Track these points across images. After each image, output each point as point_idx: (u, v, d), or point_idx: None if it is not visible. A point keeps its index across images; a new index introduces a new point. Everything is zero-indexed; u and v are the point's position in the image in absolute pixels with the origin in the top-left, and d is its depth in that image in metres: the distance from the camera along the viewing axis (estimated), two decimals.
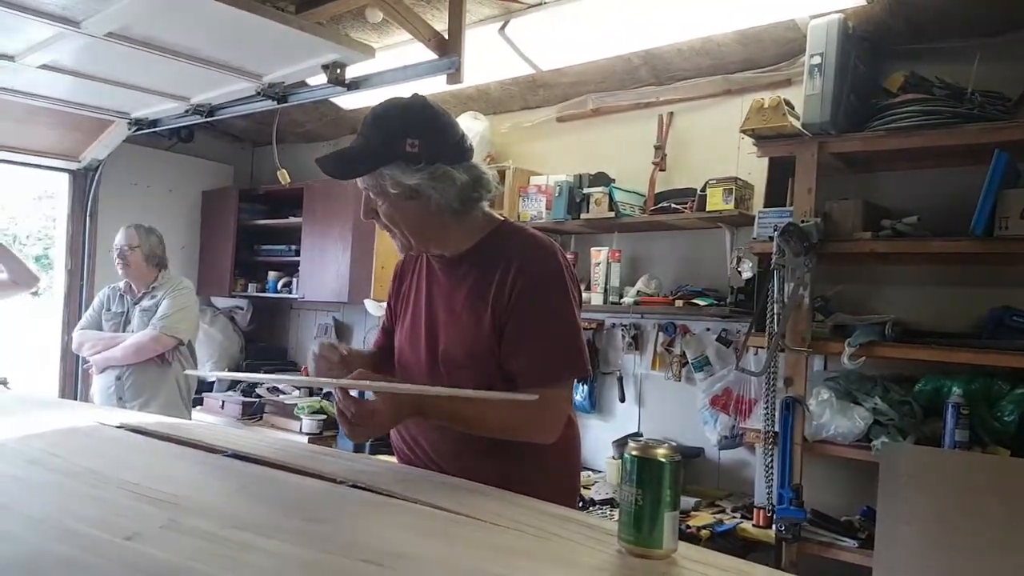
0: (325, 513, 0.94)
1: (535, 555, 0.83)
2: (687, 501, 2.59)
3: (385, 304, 1.60)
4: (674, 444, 0.86)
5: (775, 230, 2.42)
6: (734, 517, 2.52)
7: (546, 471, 1.35)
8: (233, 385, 4.23)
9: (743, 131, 2.53)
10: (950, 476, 2.13)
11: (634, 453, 0.84)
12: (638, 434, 2.93)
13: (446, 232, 1.35)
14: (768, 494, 2.37)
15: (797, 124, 2.45)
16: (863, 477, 2.42)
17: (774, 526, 2.32)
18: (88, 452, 1.23)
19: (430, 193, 1.29)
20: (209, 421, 3.64)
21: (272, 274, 4.37)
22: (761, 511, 2.41)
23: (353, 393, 1.22)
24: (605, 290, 2.91)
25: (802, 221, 2.42)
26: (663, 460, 0.83)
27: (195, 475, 1.12)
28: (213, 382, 4.21)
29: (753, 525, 2.43)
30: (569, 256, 3.01)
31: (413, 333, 1.43)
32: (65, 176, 4.09)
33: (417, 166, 1.28)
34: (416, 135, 1.28)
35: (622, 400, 3.06)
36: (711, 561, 0.84)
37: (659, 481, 0.82)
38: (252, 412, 3.86)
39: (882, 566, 2.12)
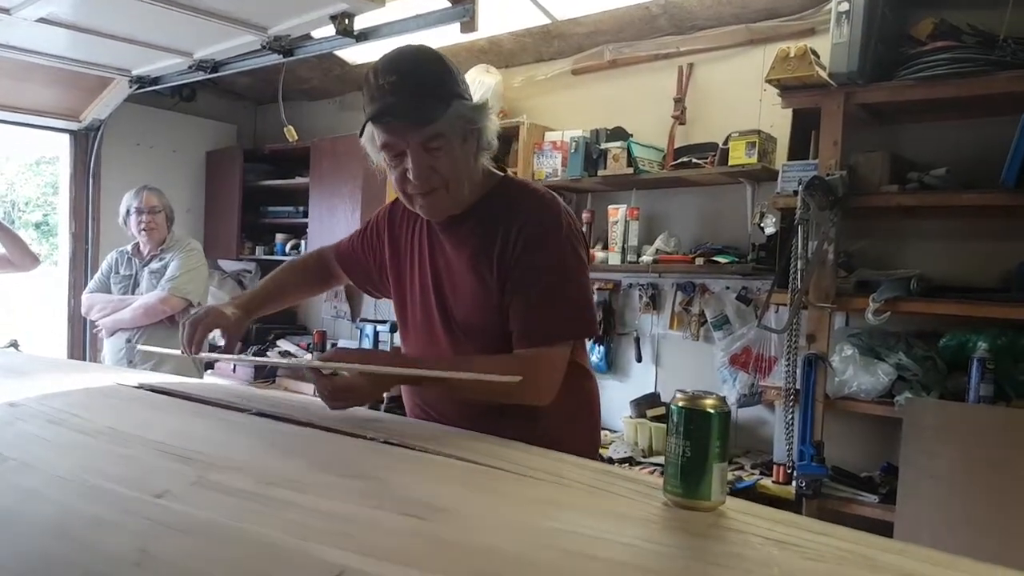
0: (361, 469, 0.91)
1: (581, 507, 0.80)
2: None
3: (364, 233, 1.52)
4: (720, 395, 0.82)
5: (799, 184, 2.36)
6: (753, 474, 2.51)
7: (566, 428, 1.31)
8: (244, 349, 4.21)
9: (768, 81, 2.45)
10: (974, 430, 2.11)
11: (681, 404, 0.80)
12: (655, 394, 2.91)
13: (474, 180, 1.30)
14: (788, 451, 2.35)
15: (823, 74, 2.37)
16: (884, 433, 2.40)
17: (794, 482, 2.31)
18: (110, 411, 1.20)
19: (481, 131, 1.25)
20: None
21: (279, 236, 4.32)
22: (781, 468, 2.40)
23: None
24: (623, 249, 2.86)
25: (827, 174, 2.36)
26: (711, 411, 0.79)
27: (222, 433, 1.09)
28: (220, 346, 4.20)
29: (773, 482, 2.42)
30: (585, 215, 2.98)
31: (423, 298, 1.36)
32: (66, 137, 4.02)
33: (475, 102, 1.24)
34: (455, 71, 1.25)
35: (639, 360, 3.03)
36: (758, 512, 0.81)
37: (707, 432, 0.79)
38: (264, 375, 3.85)
39: (905, 520, 2.11)
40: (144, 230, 2.98)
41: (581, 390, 1.41)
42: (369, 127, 1.23)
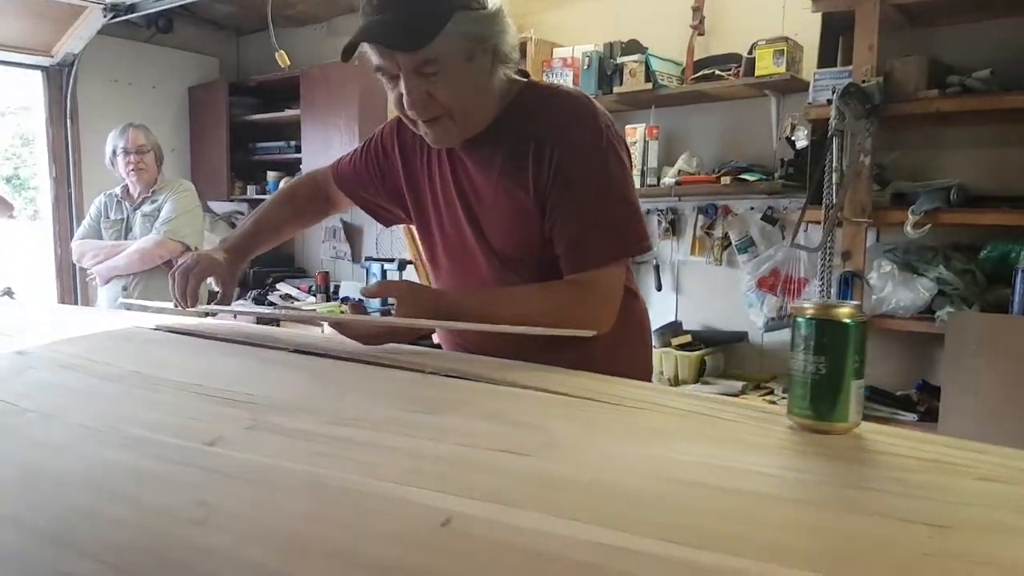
0: (432, 404, 0.80)
1: (696, 436, 0.70)
2: (733, 385, 2.52)
3: (367, 151, 1.34)
4: (854, 303, 0.71)
5: (833, 93, 2.22)
6: (784, 398, 2.44)
7: (620, 353, 1.20)
8: (242, 294, 4.08)
9: None
10: (1019, 343, 2.04)
11: (810, 315, 0.69)
12: (677, 323, 2.82)
13: (488, 101, 1.12)
14: None
15: None
16: (919, 351, 2.34)
17: None
18: (129, 354, 1.08)
19: (495, 44, 1.07)
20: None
21: (271, 174, 4.14)
22: None
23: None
24: (642, 172, 2.72)
25: (863, 81, 2.22)
26: (848, 321, 0.68)
27: (263, 372, 0.98)
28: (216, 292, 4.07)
29: None
30: None
31: (454, 229, 1.22)
32: (38, 75, 3.77)
33: (484, 11, 1.05)
34: None
35: (659, 289, 2.93)
36: (896, 433, 0.72)
37: (844, 345, 0.68)
38: (268, 322, 3.73)
39: (948, 435, 2.06)
40: (133, 171, 2.81)
41: (632, 312, 1.29)
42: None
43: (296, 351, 1.08)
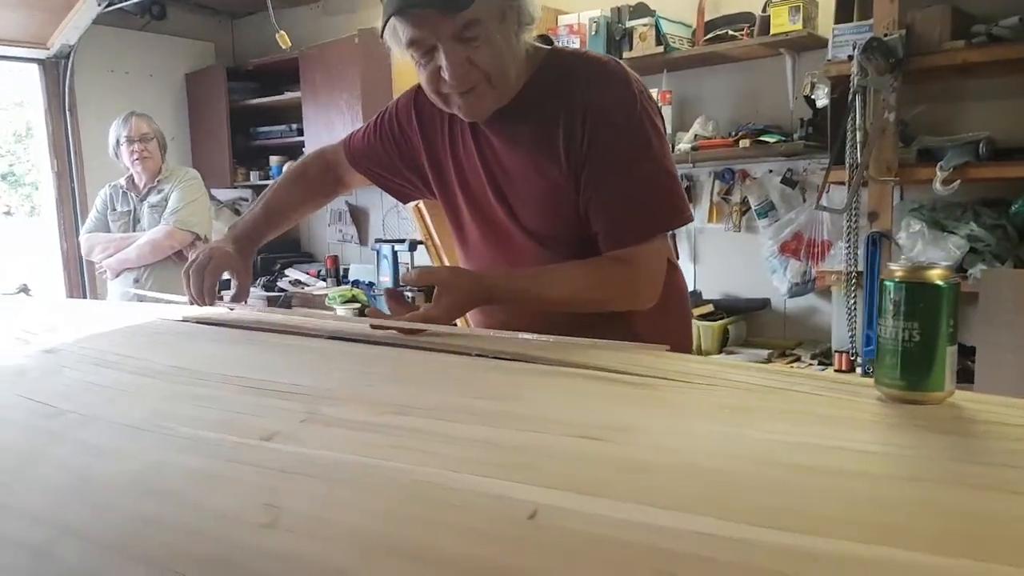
0: (490, 389, 0.77)
1: (778, 412, 0.67)
2: (759, 354, 2.49)
3: (381, 126, 1.28)
4: (946, 263, 0.67)
5: (854, 48, 2.16)
6: (812, 365, 2.41)
7: (661, 326, 1.17)
8: (254, 280, 4.05)
9: None
10: None
11: (899, 277, 0.65)
12: (696, 292, 2.78)
13: (518, 64, 1.07)
14: (851, 337, 2.25)
15: None
16: None
17: (859, 369, 2.22)
18: (164, 348, 1.05)
19: (520, 4, 1.02)
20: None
21: (274, 159, 4.08)
22: (843, 355, 2.30)
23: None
24: None
25: (885, 35, 2.15)
26: (941, 283, 0.64)
27: (306, 361, 0.94)
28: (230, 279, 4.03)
29: (835, 370, 2.33)
30: None
31: (484, 208, 1.17)
32: (35, 68, 3.70)
33: None
34: None
35: (676, 258, 2.88)
36: (990, 400, 0.69)
37: (937, 310, 0.64)
38: (279, 306, 3.71)
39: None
40: (138, 159, 2.76)
41: (672, 284, 1.25)
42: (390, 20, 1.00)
43: (332, 338, 1.05)
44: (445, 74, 1.00)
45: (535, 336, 0.97)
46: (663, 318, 1.18)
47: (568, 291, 1.06)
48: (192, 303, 1.22)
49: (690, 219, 1.14)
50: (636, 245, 1.06)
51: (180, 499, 0.61)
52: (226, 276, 1.29)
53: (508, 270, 1.16)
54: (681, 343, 1.26)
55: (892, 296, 0.65)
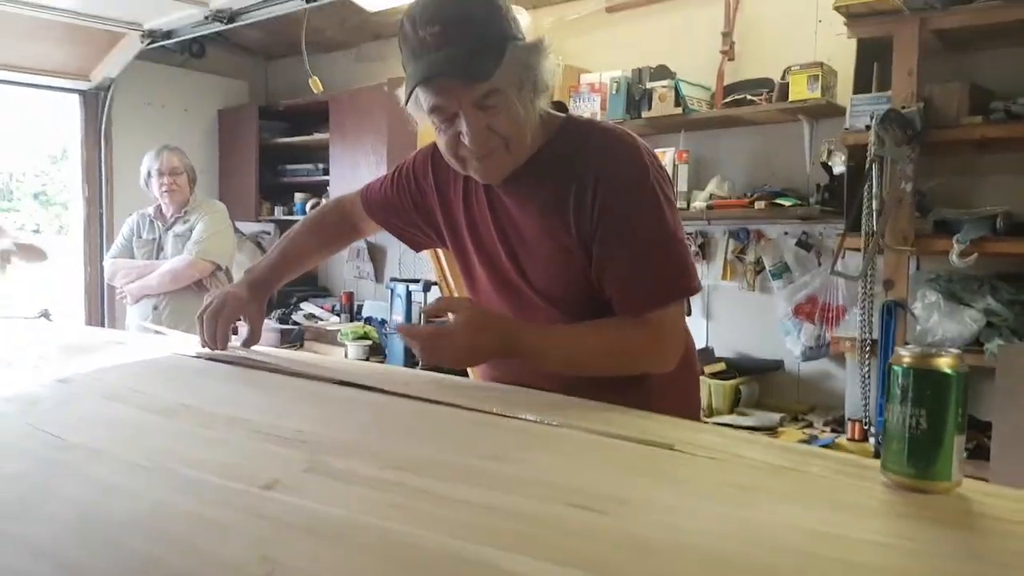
0: (494, 448, 0.77)
1: (785, 493, 0.66)
2: (771, 417, 2.46)
3: (399, 178, 1.31)
4: (955, 351, 0.66)
5: (872, 118, 2.18)
6: (825, 431, 2.38)
7: (670, 389, 1.16)
8: (268, 314, 4.08)
9: (836, 8, 2.25)
10: None
11: (907, 363, 0.65)
12: (708, 349, 2.77)
13: (533, 130, 1.09)
14: (864, 405, 2.22)
15: None
16: None
17: (872, 439, 2.18)
18: (176, 385, 1.06)
19: (537, 74, 1.04)
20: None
21: (299, 196, 4.15)
22: (856, 424, 2.27)
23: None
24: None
25: (903, 107, 2.18)
26: (950, 372, 0.64)
27: (312, 407, 0.95)
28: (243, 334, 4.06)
29: (848, 439, 2.30)
30: None
31: (495, 266, 1.19)
32: (75, 98, 3.82)
33: (524, 41, 1.03)
34: (503, 7, 1.02)
35: (688, 314, 2.86)
36: (999, 492, 0.68)
37: (945, 398, 0.64)
38: (292, 339, 3.73)
39: (1002, 478, 1.99)
40: (166, 191, 2.83)
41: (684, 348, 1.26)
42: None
43: (339, 383, 1.06)
44: (465, 139, 1.03)
45: (543, 392, 0.97)
46: (673, 382, 1.18)
47: (595, 348, 1.07)
48: (202, 345, 1.23)
49: (698, 289, 1.14)
50: (656, 310, 1.07)
51: (181, 544, 0.61)
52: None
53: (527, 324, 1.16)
54: (690, 407, 1.25)
55: (900, 382, 0.65)
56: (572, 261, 1.10)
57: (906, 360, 0.65)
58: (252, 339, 1.29)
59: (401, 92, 1.05)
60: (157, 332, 1.72)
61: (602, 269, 1.08)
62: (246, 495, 0.67)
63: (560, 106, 1.17)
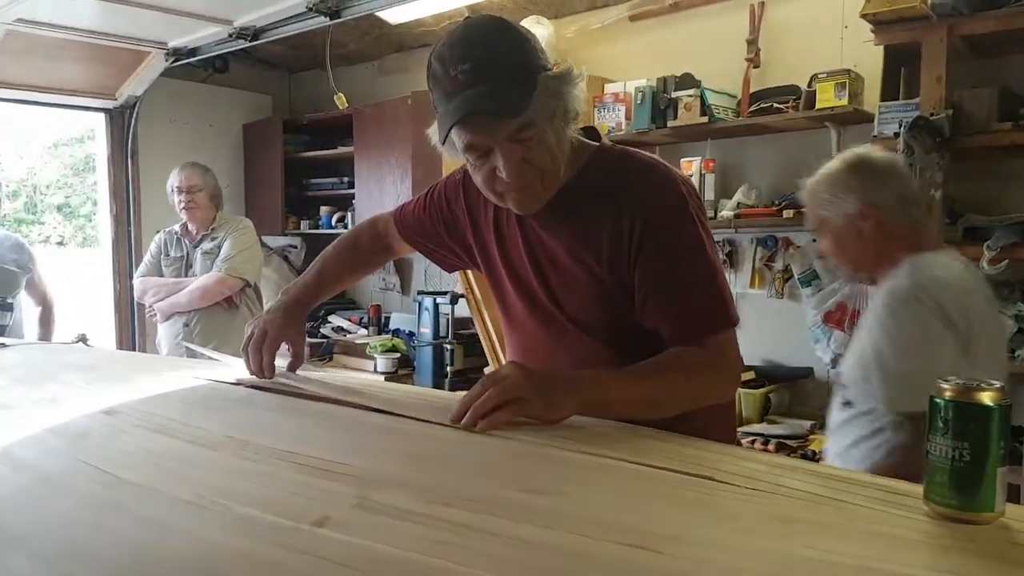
0: (537, 482, 0.78)
1: (831, 527, 0.66)
2: (801, 424, 2.45)
3: (431, 201, 1.32)
4: (997, 383, 0.66)
5: (900, 126, 2.16)
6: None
7: (709, 413, 1.13)
8: None
9: (863, 16, 2.24)
10: None
11: (949, 396, 0.65)
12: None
13: (565, 160, 1.09)
14: None
15: (924, 5, 2.16)
16: None
17: None
18: (219, 416, 1.09)
19: (567, 103, 1.04)
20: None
21: (324, 209, 4.20)
22: None
23: None
24: None
25: (931, 114, 2.16)
26: (991, 404, 0.64)
27: (358, 437, 0.97)
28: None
29: None
30: None
31: (527, 293, 1.19)
32: (101, 116, 3.90)
33: (553, 72, 1.03)
34: (531, 39, 1.03)
35: None
36: None
37: (987, 431, 0.64)
38: (321, 353, 3.77)
39: None
40: (184, 209, 2.88)
41: None
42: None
43: (377, 410, 1.07)
44: (502, 173, 1.04)
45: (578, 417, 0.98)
46: (710, 407, 1.17)
47: (671, 381, 1.03)
48: (250, 372, 1.26)
49: (738, 321, 1.11)
50: (714, 335, 1.06)
51: None
52: None
53: (545, 352, 1.16)
54: (728, 431, 1.25)
55: (942, 414, 0.66)
56: (602, 289, 1.11)
57: (947, 393, 0.66)
58: (296, 362, 1.31)
59: (433, 131, 1.07)
60: (201, 353, 1.75)
61: (648, 300, 1.07)
62: (297, 533, 0.68)
63: (592, 132, 1.17)
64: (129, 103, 3.80)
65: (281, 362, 1.29)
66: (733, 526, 0.66)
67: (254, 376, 1.25)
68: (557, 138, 1.06)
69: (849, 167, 1.52)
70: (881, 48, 2.35)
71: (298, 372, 1.31)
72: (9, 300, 2.74)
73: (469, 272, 2.79)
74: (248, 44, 2.92)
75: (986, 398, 0.65)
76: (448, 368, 3.28)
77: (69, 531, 0.74)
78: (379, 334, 3.79)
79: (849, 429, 1.48)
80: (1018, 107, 2.17)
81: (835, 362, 2.51)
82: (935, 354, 1.36)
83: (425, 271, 4.03)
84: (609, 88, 2.91)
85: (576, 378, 1.01)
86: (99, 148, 4.04)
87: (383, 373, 3.42)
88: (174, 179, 2.91)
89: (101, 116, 3.92)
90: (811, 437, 2.38)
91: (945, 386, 0.66)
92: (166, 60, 3.26)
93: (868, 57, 2.46)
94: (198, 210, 2.90)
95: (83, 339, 1.84)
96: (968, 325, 1.37)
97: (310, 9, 2.48)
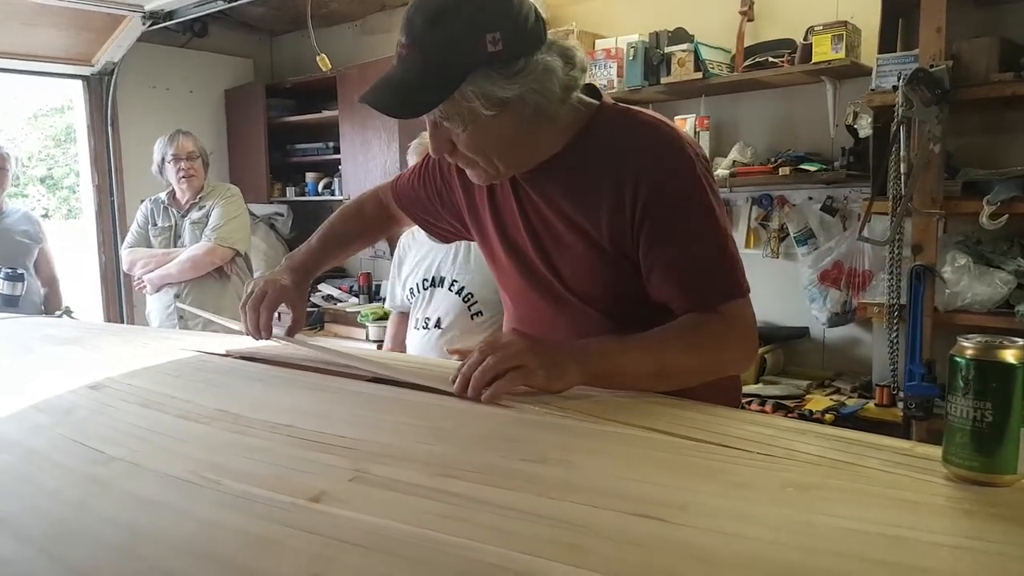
0: (539, 451, 0.75)
1: (848, 493, 0.64)
2: (797, 384, 2.44)
3: (424, 171, 1.28)
4: (1020, 341, 0.63)
5: (899, 78, 2.11)
6: (852, 398, 2.36)
7: (712, 381, 1.07)
8: None
9: None
10: None
11: (970, 354, 0.63)
12: None
13: (538, 140, 1.03)
14: (892, 371, 2.20)
15: None
16: None
17: (900, 404, 2.16)
18: (208, 389, 1.05)
19: (530, 98, 0.96)
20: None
21: (310, 175, 4.11)
22: (884, 389, 2.25)
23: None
24: None
25: (931, 65, 2.11)
26: (1015, 363, 0.62)
27: (352, 409, 0.94)
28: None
29: (875, 404, 2.28)
30: None
31: (524, 263, 1.14)
32: (74, 85, 3.78)
33: (507, 67, 0.93)
34: (495, 26, 0.92)
35: None
36: None
37: (1010, 390, 0.62)
38: (312, 322, 3.73)
39: None
40: (183, 177, 2.80)
41: None
42: None
43: (374, 380, 1.04)
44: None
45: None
46: (710, 385, 1.14)
47: (684, 350, 0.98)
48: (244, 332, 1.22)
49: (749, 290, 1.06)
50: (729, 302, 1.01)
51: (225, 563, 0.60)
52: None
53: (546, 323, 1.12)
54: (733, 394, 1.22)
55: (963, 374, 0.63)
56: (602, 256, 1.05)
57: (969, 352, 0.63)
58: (296, 327, 1.27)
59: None
60: (193, 314, 1.70)
61: (655, 266, 1.02)
62: (294, 509, 0.66)
63: (591, 89, 1.09)
64: (107, 70, 3.69)
65: (278, 330, 1.26)
66: (746, 494, 0.64)
67: (250, 335, 1.21)
68: (499, 132, 0.98)
69: None
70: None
71: (286, 343, 1.28)
72: (20, 271, 2.70)
73: None
74: (226, 5, 2.82)
75: (1009, 356, 0.62)
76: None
77: (55, 510, 0.71)
78: (370, 302, 3.76)
79: None
80: (1019, 57, 2.12)
81: (831, 321, 2.50)
82: None
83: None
84: (600, 44, 2.83)
85: (581, 346, 0.96)
86: (78, 117, 3.93)
87: (375, 341, 3.39)
88: (166, 148, 2.82)
89: (79, 84, 3.80)
90: (807, 397, 2.38)
91: (966, 344, 0.64)
92: (143, 23, 3.14)
93: (865, 8, 2.40)
94: (196, 178, 2.84)
95: (67, 312, 1.79)
96: None
97: None
